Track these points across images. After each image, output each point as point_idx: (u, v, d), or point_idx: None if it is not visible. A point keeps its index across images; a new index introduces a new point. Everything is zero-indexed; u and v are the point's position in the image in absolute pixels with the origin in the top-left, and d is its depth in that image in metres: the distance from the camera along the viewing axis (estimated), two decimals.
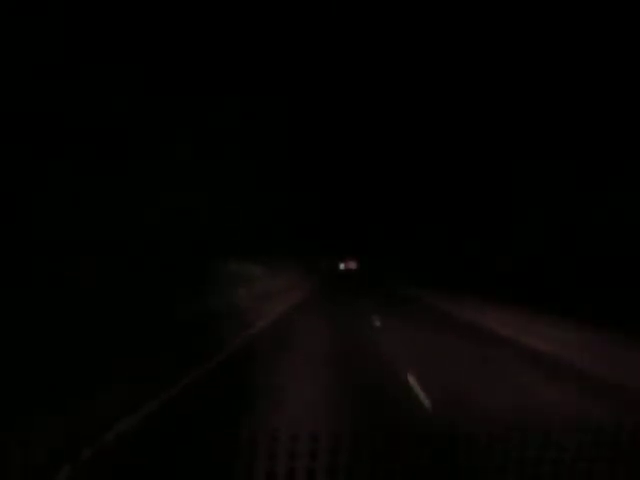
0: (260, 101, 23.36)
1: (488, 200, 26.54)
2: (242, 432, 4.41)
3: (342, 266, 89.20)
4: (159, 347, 7.75)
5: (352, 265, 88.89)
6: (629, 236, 14.46)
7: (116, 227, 10.37)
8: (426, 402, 5.86)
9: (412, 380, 6.90)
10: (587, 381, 8.02)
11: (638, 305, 12.34)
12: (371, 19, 27.18)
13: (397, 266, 54.78)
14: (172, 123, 13.72)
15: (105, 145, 9.61)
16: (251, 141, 23.01)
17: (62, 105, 8.42)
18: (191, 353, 7.89)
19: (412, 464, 3.79)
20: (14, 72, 7.38)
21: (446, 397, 6.15)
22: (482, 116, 25.80)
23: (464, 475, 3.60)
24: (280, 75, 25.87)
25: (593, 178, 16.79)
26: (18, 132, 7.40)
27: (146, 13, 11.78)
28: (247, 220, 23.26)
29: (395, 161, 46.04)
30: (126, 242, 10.62)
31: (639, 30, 14.62)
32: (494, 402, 6.10)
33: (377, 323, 14.01)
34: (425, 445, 4.25)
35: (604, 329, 11.61)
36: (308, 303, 20.25)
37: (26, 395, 4.67)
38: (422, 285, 33.32)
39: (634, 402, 6.82)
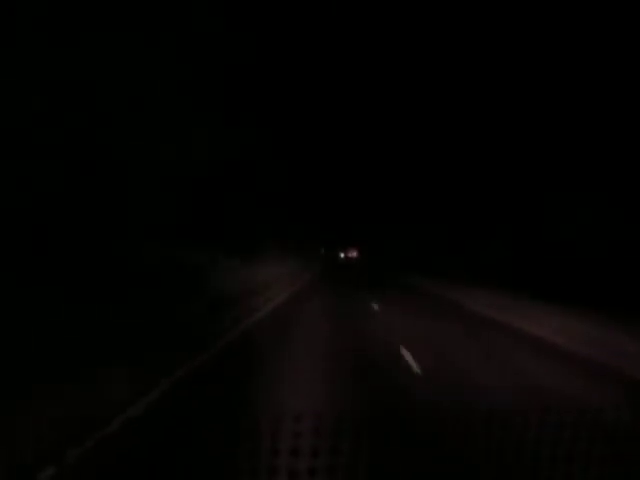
0: (260, 96, 23.28)
1: (487, 192, 26.56)
2: (247, 413, 4.56)
3: (342, 255, 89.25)
4: (161, 343, 7.72)
5: (353, 253, 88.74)
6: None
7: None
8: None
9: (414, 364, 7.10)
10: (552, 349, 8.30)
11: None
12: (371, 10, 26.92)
13: (398, 255, 54.82)
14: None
15: None
16: (250, 134, 22.88)
17: None
18: (192, 343, 8.01)
19: (415, 443, 3.95)
20: None
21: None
22: (481, 103, 25.71)
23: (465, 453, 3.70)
24: (281, 67, 25.73)
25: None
26: None
27: None
28: (246, 213, 23.14)
29: (396, 150, 45.87)
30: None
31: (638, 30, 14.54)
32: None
33: (376, 308, 14.17)
34: (427, 426, 4.40)
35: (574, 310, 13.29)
36: (307, 295, 20.08)
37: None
38: (423, 274, 33.49)
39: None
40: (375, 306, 15.42)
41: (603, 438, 3.54)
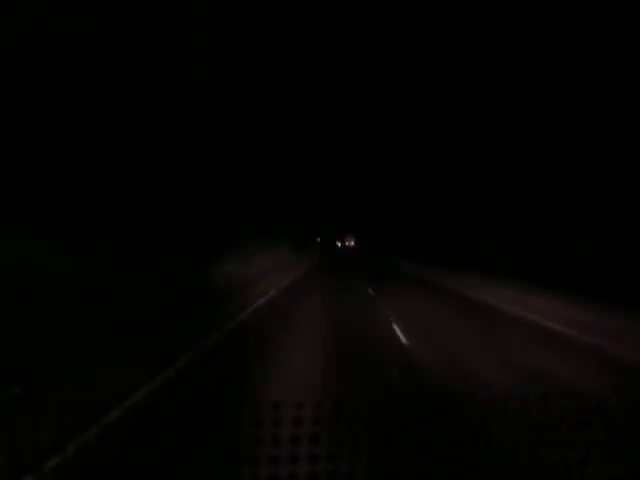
0: (261, 90, 23.11)
1: (484, 183, 26.41)
2: (247, 400, 4.62)
3: (339, 244, 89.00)
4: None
5: (350, 242, 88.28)
6: None
7: None
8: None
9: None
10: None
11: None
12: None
13: (395, 244, 54.73)
14: None
15: None
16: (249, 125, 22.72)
17: None
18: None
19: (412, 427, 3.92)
20: None
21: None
22: (479, 96, 25.45)
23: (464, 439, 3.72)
24: (280, 62, 25.47)
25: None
26: None
27: None
28: (245, 205, 22.93)
29: (396, 139, 45.47)
30: None
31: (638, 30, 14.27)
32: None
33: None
34: (425, 410, 4.37)
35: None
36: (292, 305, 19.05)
37: None
38: (422, 263, 33.55)
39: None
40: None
41: None
